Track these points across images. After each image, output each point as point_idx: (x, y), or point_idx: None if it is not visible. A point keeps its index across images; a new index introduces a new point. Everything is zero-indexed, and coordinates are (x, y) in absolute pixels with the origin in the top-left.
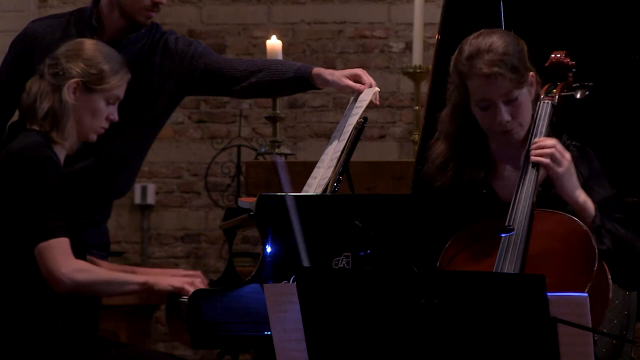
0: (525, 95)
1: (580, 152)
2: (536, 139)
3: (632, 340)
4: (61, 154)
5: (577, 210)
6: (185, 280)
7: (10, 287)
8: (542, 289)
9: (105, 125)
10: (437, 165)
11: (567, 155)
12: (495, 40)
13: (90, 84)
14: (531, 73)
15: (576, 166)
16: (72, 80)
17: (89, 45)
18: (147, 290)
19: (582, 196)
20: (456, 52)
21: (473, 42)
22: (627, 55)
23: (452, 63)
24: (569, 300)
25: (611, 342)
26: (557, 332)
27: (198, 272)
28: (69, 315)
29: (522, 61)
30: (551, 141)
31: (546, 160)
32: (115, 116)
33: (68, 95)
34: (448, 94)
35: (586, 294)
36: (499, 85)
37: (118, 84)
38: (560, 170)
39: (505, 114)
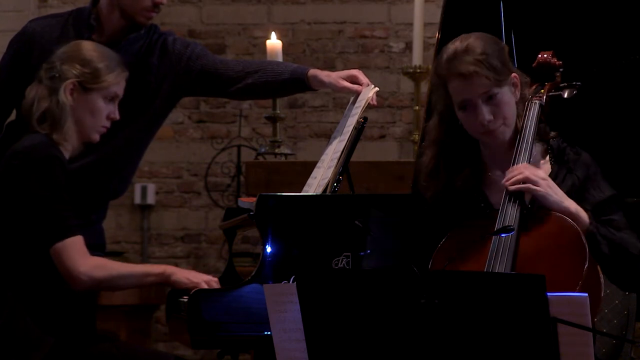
0: (507, 94)
1: (576, 155)
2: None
3: (632, 340)
4: (65, 154)
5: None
6: (203, 278)
7: (13, 285)
8: (542, 289)
9: (107, 124)
10: (427, 173)
11: (540, 172)
12: (472, 42)
13: (87, 83)
14: (514, 74)
15: (572, 169)
16: (69, 81)
17: (84, 46)
18: (163, 280)
19: (572, 206)
20: (437, 58)
21: (451, 46)
22: (617, 56)
23: (432, 69)
24: (569, 300)
25: (611, 342)
26: (557, 332)
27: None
28: (66, 315)
29: (502, 61)
30: (519, 167)
31: (523, 186)
32: (116, 114)
33: (65, 96)
34: (433, 103)
35: (586, 294)
36: (477, 84)
37: (115, 82)
38: (539, 189)
39: (486, 114)
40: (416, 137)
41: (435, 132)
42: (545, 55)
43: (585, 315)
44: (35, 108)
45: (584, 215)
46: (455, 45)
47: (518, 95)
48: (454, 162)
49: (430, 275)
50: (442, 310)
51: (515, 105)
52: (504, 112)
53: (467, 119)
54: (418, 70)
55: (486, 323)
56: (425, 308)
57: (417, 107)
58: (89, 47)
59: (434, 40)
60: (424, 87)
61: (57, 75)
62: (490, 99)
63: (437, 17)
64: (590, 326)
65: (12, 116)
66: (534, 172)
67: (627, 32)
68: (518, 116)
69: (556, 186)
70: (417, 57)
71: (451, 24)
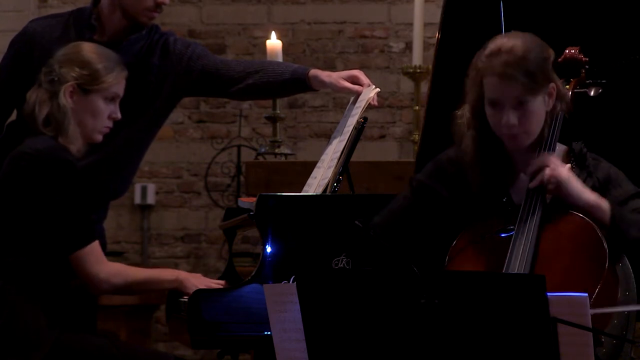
0: (538, 103)
1: (595, 161)
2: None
3: (632, 340)
4: None
5: (592, 212)
6: (212, 286)
7: (14, 285)
8: (542, 289)
9: (109, 124)
10: (471, 166)
11: (564, 165)
12: (518, 43)
13: (86, 85)
14: (552, 85)
15: (591, 174)
16: (68, 84)
17: (82, 48)
18: (176, 285)
19: (592, 197)
20: (481, 49)
21: (497, 41)
22: (617, 56)
23: (474, 59)
24: (569, 300)
25: (611, 342)
26: (557, 332)
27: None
28: (66, 315)
29: (542, 69)
30: (541, 160)
31: (544, 177)
32: (117, 114)
33: (65, 99)
34: (466, 92)
35: (586, 294)
36: (510, 88)
37: (114, 82)
38: (562, 175)
39: (511, 117)
40: (416, 137)
41: (472, 133)
42: (572, 51)
43: (585, 315)
44: (37, 112)
45: (605, 204)
46: (502, 41)
47: (551, 105)
48: (486, 159)
49: (430, 275)
50: (442, 310)
51: (544, 115)
52: (530, 121)
53: (493, 116)
54: (418, 70)
55: (486, 323)
56: (425, 308)
57: (417, 107)
58: (86, 49)
59: (434, 40)
60: (424, 87)
61: (56, 78)
62: (520, 104)
63: (437, 17)
64: (590, 326)
65: (13, 116)
66: (556, 162)
67: (626, 33)
68: (545, 125)
69: (577, 178)
70: (417, 57)
71: (451, 24)
